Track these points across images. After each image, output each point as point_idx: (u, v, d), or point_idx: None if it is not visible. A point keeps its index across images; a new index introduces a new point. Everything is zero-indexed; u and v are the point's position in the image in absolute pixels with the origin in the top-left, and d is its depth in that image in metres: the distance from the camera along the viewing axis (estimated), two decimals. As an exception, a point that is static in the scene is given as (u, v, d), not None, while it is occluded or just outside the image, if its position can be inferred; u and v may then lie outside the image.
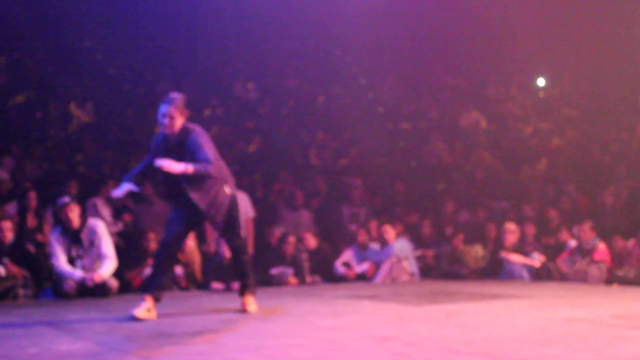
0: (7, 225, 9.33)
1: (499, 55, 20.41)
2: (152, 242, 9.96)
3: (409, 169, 17.16)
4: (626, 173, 13.55)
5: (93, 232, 9.15)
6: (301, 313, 6.43)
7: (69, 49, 20.23)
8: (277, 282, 10.42)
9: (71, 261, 9.03)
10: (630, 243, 10.67)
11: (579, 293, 9.00)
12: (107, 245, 9.20)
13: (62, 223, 9.12)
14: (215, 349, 4.92)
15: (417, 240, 12.24)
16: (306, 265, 11.08)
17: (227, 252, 9.99)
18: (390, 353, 4.66)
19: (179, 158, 6.65)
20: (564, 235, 11.54)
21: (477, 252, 11.79)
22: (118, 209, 11.67)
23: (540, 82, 21.45)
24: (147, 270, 9.84)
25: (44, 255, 9.73)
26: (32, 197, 10.77)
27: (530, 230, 11.98)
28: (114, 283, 9.12)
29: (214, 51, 20.52)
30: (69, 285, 8.86)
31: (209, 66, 20.42)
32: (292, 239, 10.71)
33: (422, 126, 18.62)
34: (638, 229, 10.82)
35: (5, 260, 8.95)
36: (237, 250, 7.20)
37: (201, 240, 11.21)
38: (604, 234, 11.35)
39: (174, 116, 6.87)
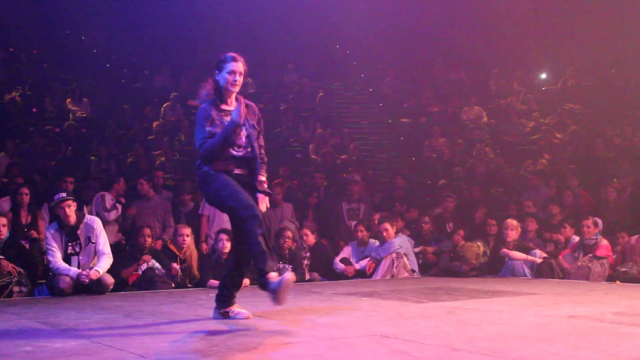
0: (1, 221, 9.29)
1: (501, 49, 20.46)
2: (148, 238, 9.96)
3: (409, 164, 17.18)
4: (630, 168, 13.57)
5: (90, 229, 9.11)
6: (299, 310, 6.40)
7: (65, 44, 20.24)
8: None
9: (67, 258, 8.98)
10: (634, 239, 10.66)
11: (581, 290, 8.97)
12: (104, 242, 9.17)
13: (58, 219, 9.07)
14: (213, 346, 4.90)
15: (418, 237, 12.22)
16: (306, 262, 11.08)
17: (225, 249, 10.03)
18: (390, 351, 4.65)
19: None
20: (566, 231, 11.54)
21: (478, 248, 11.77)
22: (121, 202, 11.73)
23: (543, 76, 21.45)
24: (143, 266, 9.90)
25: (39, 251, 9.71)
26: (25, 193, 10.72)
27: (532, 226, 11.98)
28: (110, 280, 9.07)
29: (212, 46, 20.49)
30: (65, 282, 8.79)
31: (208, 61, 20.40)
32: (289, 234, 10.66)
33: (422, 121, 18.66)
34: (641, 225, 10.84)
35: (0, 257, 8.92)
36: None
37: (198, 237, 11.23)
38: (607, 230, 11.35)
39: (242, 72, 6.03)
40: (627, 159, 14.02)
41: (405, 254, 11.32)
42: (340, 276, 11.12)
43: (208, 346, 4.93)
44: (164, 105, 17.53)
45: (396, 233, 11.54)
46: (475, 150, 16.25)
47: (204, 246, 11.13)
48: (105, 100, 17.95)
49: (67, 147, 14.63)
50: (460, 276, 11.14)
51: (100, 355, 4.62)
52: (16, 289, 8.88)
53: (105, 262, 9.03)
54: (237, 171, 5.93)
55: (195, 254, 10.53)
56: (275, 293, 5.42)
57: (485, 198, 13.73)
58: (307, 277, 10.71)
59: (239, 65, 5.97)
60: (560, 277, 10.71)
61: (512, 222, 11.53)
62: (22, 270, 9.05)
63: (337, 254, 11.58)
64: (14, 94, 17.01)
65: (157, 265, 9.95)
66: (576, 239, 11.19)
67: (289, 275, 5.58)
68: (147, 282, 9.68)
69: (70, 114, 16.73)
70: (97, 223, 9.25)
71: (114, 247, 10.01)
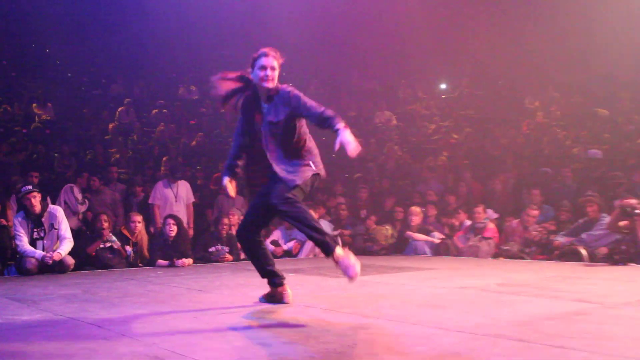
0: (-26, 210, 9.16)
1: (408, 63, 20.62)
2: (105, 223, 9.88)
3: (330, 160, 17.19)
4: (512, 164, 13.81)
5: (53, 217, 9.12)
6: (235, 285, 6.44)
7: (32, 55, 19.88)
8: (214, 259, 10.37)
9: (33, 242, 8.97)
10: (515, 222, 10.90)
11: (471, 265, 9.15)
12: (66, 228, 9.19)
13: (25, 208, 9.01)
14: (160, 315, 4.89)
15: (336, 221, 12.29)
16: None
17: (172, 232, 9.99)
18: (311, 318, 4.69)
19: (278, 118, 5.27)
20: (460, 216, 11.73)
21: (387, 231, 11.88)
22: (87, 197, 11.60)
23: (443, 86, 21.72)
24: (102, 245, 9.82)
25: (8, 236, 9.55)
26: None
27: (432, 212, 12.15)
28: (70, 261, 9.04)
29: (161, 58, 20.32)
30: (31, 263, 8.75)
31: (157, 71, 20.21)
32: (225, 221, 10.67)
33: (341, 123, 18.66)
34: (521, 210, 11.05)
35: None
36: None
37: (148, 222, 11.17)
38: (494, 215, 11.57)
39: (275, 67, 5.30)
40: (510, 156, 14.27)
41: (325, 237, 11.38)
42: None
43: (155, 316, 4.92)
44: (119, 109, 17.30)
45: (318, 218, 11.59)
46: (385, 148, 16.37)
47: (152, 230, 11.07)
48: (67, 105, 17.61)
49: (33, 146, 14.35)
50: (371, 255, 11.26)
51: (61, 325, 4.58)
52: (-13, 269, 8.77)
53: (66, 246, 9.02)
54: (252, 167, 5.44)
55: (146, 238, 10.48)
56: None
57: (394, 189, 13.85)
58: (242, 256, 10.71)
59: (270, 60, 5.24)
60: (454, 255, 10.90)
61: (415, 209, 11.69)
62: (-8, 253, 8.93)
63: (268, 237, 11.60)
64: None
65: (113, 238, 9.91)
66: (468, 222, 11.40)
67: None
68: (103, 262, 9.66)
69: (36, 117, 16.41)
70: (59, 212, 9.26)
71: (76, 232, 9.91)
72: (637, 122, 14.16)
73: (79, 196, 11.29)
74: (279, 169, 5.16)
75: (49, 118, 16.58)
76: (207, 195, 13.03)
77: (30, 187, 9.10)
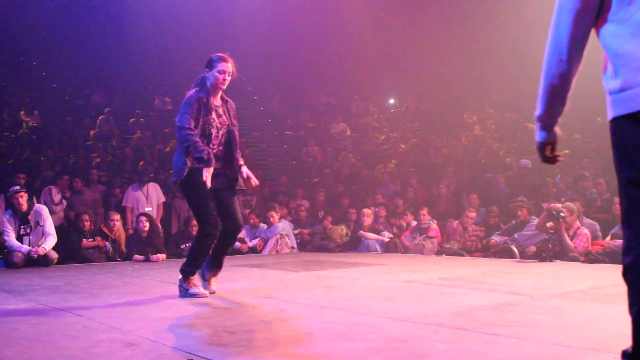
0: (-35, 209, 9.03)
1: (360, 80, 20.73)
2: (86, 222, 9.82)
3: (291, 166, 17.24)
4: (453, 171, 13.93)
5: (39, 215, 9.13)
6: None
7: (20, 67, 19.62)
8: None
9: (20, 238, 8.97)
10: (455, 223, 10.99)
11: (417, 261, 9.20)
12: (50, 225, 9.21)
13: (12, 207, 9.01)
14: (136, 305, 4.85)
15: (296, 221, 12.29)
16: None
17: (145, 228, 9.93)
18: (273, 308, 4.70)
19: (226, 121, 5.38)
20: (407, 217, 11.79)
21: (342, 230, 11.91)
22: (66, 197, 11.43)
23: (391, 101, 21.87)
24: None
25: (-3, 233, 9.43)
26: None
27: (382, 213, 12.20)
28: (54, 255, 9.01)
29: (138, 71, 20.15)
30: (18, 257, 8.72)
31: (135, 83, 20.03)
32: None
33: (301, 134, 18.73)
34: (461, 213, 11.15)
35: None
36: (234, 233, 5.54)
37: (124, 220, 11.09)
38: (437, 217, 11.66)
39: (230, 72, 5.33)
40: (451, 164, 14.40)
41: (286, 235, 11.39)
42: (237, 252, 11.09)
43: (130, 306, 4.87)
44: (100, 117, 17.09)
45: (280, 219, 11.59)
46: (340, 156, 16.43)
47: (130, 230, 10.97)
48: (52, 112, 17.37)
49: (21, 150, 14.13)
50: (328, 252, 11.27)
51: (45, 314, 4.52)
52: (-23, 263, 8.64)
53: (50, 241, 9.00)
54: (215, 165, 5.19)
55: (123, 234, 10.39)
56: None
57: (348, 192, 13.88)
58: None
59: (229, 66, 5.29)
60: (402, 252, 10.95)
61: (367, 210, 11.72)
62: (-19, 248, 8.81)
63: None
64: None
65: (108, 246, 9.88)
66: (414, 223, 11.46)
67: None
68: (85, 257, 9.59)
69: (24, 124, 16.14)
70: (44, 210, 9.26)
71: (59, 228, 9.80)
72: (561, 135, 14.38)
73: (57, 197, 11.14)
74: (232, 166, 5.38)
75: (35, 124, 16.32)
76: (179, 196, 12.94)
77: (17, 187, 9.17)
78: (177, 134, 5.20)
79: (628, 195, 2.04)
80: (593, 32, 2.16)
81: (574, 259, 8.57)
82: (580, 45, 2.16)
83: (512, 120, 16.14)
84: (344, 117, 19.41)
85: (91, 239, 9.84)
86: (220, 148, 5.37)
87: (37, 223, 9.05)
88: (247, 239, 11.40)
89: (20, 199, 8.89)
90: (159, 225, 10.97)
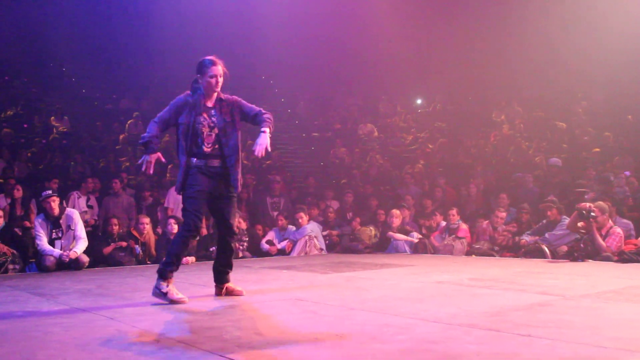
0: (-1, 213, 9.18)
1: (388, 81, 20.70)
2: (115, 227, 9.93)
3: (319, 168, 17.25)
4: (482, 171, 13.85)
5: (70, 219, 9.18)
6: (234, 281, 6.37)
7: (50, 73, 19.90)
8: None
9: (51, 242, 9.02)
10: (485, 223, 10.91)
11: (446, 262, 9.13)
12: (81, 229, 9.25)
13: (45, 211, 9.08)
14: (166, 309, 4.87)
15: (325, 223, 12.28)
16: (245, 244, 11.06)
17: (173, 230, 9.98)
18: (302, 310, 4.69)
19: (222, 121, 5.34)
20: (436, 218, 11.72)
21: (370, 231, 11.87)
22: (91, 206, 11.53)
23: (419, 101, 21.80)
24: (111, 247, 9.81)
25: (29, 237, 9.56)
26: (17, 190, 10.56)
27: (411, 214, 12.15)
28: (85, 259, 9.08)
29: (166, 75, 20.30)
30: (50, 261, 8.79)
31: (162, 87, 20.18)
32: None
33: (328, 135, 18.73)
34: (490, 213, 11.07)
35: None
36: (229, 237, 5.55)
37: (155, 223, 11.16)
38: (466, 217, 11.60)
39: (222, 74, 5.39)
40: (480, 164, 14.31)
41: (315, 237, 11.37)
42: (266, 254, 11.12)
43: (161, 309, 4.91)
44: (128, 122, 17.26)
45: (308, 220, 11.59)
46: (368, 157, 16.41)
47: (159, 231, 11.05)
48: (82, 118, 17.60)
49: (52, 155, 14.31)
50: (357, 253, 11.23)
51: (77, 317, 4.56)
52: (11, 266, 8.79)
53: (81, 245, 9.07)
54: (210, 164, 5.28)
55: (153, 238, 10.45)
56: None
57: (376, 193, 13.84)
58: (241, 255, 10.69)
59: (219, 68, 5.36)
60: (431, 253, 10.88)
61: (396, 211, 11.67)
62: (15, 252, 8.96)
63: (263, 237, 11.58)
64: (8, 112, 16.64)
65: (138, 249, 10.04)
66: (443, 223, 11.39)
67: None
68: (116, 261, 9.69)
69: (54, 129, 16.36)
70: (75, 214, 9.35)
71: (89, 232, 9.91)
72: (592, 133, 14.25)
73: (83, 206, 11.24)
74: (231, 163, 5.31)
75: (65, 130, 16.53)
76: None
77: (50, 191, 9.28)
78: None
79: None
80: (629, 35, 2.13)
81: (607, 259, 8.44)
82: None
83: (542, 119, 16.02)
84: (371, 118, 19.40)
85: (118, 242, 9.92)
86: (216, 146, 5.33)
87: (69, 227, 9.13)
88: (275, 241, 11.41)
89: (52, 203, 8.98)
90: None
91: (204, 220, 11.97)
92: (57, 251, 8.88)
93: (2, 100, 17.28)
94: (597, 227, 8.72)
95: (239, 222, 11.18)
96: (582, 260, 8.55)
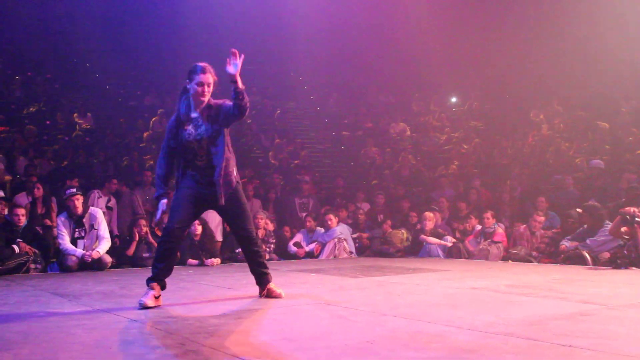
0: (21, 211, 9.28)
1: (421, 78, 20.62)
2: (144, 227, 9.98)
3: (349, 168, 17.24)
4: (519, 172, 13.72)
5: (93, 218, 9.27)
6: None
7: (74, 69, 20.12)
8: (241, 259, 10.37)
9: (74, 241, 9.11)
10: (522, 227, 10.80)
11: (482, 267, 9.06)
12: (104, 229, 9.33)
13: (68, 209, 9.16)
14: (192, 312, 4.88)
15: (355, 225, 12.26)
16: (272, 246, 11.08)
17: (197, 231, 10.02)
18: (331, 315, 4.67)
19: (210, 129, 5.25)
20: (471, 221, 11.64)
21: (402, 234, 11.83)
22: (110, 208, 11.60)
23: (453, 99, 21.66)
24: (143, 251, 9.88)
25: (51, 236, 9.67)
26: (38, 188, 10.68)
27: (444, 217, 12.08)
28: (108, 259, 9.15)
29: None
30: (72, 261, 8.88)
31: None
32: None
33: (359, 134, 18.71)
34: (528, 216, 10.96)
35: (19, 240, 8.85)
36: (246, 240, 5.58)
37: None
38: (502, 220, 11.49)
39: (211, 82, 5.33)
40: (517, 165, 14.19)
41: (344, 239, 11.37)
42: (294, 257, 11.13)
43: (186, 311, 4.92)
44: (153, 119, 17.39)
45: (338, 222, 11.57)
46: (400, 157, 16.35)
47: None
48: (105, 114, 17.77)
49: (75, 152, 14.46)
50: (388, 257, 11.20)
51: (99, 319, 4.59)
52: (32, 266, 8.89)
53: (104, 245, 9.14)
54: (205, 174, 5.29)
55: (177, 238, 10.49)
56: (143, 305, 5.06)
57: (408, 195, 13.79)
58: (267, 257, 10.70)
59: (208, 77, 5.31)
60: (465, 258, 10.81)
61: (429, 214, 11.61)
62: (37, 251, 9.06)
63: (291, 239, 11.59)
64: (31, 109, 16.85)
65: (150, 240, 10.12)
66: (478, 227, 11.31)
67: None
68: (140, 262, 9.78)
69: (77, 126, 16.54)
70: (99, 213, 9.42)
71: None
72: (636, 134, 14.05)
73: (103, 206, 11.32)
74: (217, 175, 5.24)
75: (88, 127, 16.70)
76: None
77: (74, 189, 9.34)
78: None
79: None
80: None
81: (652, 266, 8.31)
82: None
83: (583, 119, 15.82)
84: (404, 116, 19.33)
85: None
86: (210, 157, 5.28)
87: (92, 226, 9.21)
88: (303, 243, 11.42)
89: (76, 202, 9.07)
90: (212, 228, 11.00)
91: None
92: (79, 251, 8.96)
93: (25, 97, 17.52)
94: (642, 233, 8.57)
95: (266, 224, 11.22)
96: (626, 268, 8.41)
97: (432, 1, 19.01)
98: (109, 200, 11.44)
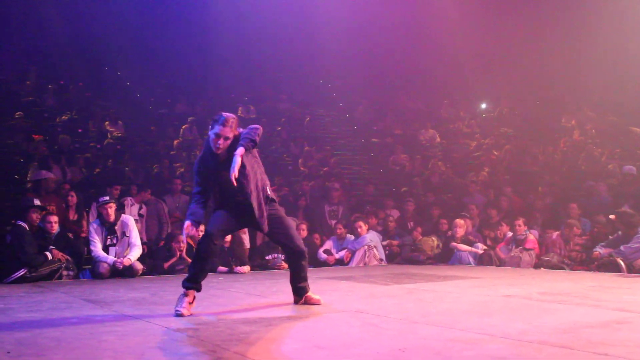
0: (54, 219, 9.39)
1: (450, 84, 20.53)
2: (182, 245, 9.98)
3: (378, 175, 17.19)
4: (550, 179, 13.59)
5: (125, 225, 9.35)
6: (291, 292, 6.39)
7: (105, 77, 20.33)
8: (271, 266, 10.40)
9: (106, 248, 9.18)
10: (554, 235, 10.69)
11: (514, 275, 8.98)
12: (136, 236, 9.38)
13: (100, 217, 9.27)
14: (221, 319, 4.89)
15: (385, 232, 12.21)
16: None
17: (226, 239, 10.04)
18: (363, 323, 4.65)
19: (242, 168, 5.28)
20: (503, 228, 11.53)
21: (432, 242, 11.76)
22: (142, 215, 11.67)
23: (483, 106, 21.52)
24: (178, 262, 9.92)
25: (84, 243, 9.76)
26: (72, 196, 10.80)
27: (475, 224, 11.99)
28: (139, 266, 9.22)
29: (221, 80, 20.56)
30: (103, 268, 8.96)
31: (217, 92, 20.44)
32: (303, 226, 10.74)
33: (388, 141, 18.65)
34: (560, 223, 10.84)
35: (52, 247, 8.95)
36: (297, 254, 5.70)
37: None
38: (534, 227, 11.37)
39: (229, 137, 5.26)
40: (548, 171, 14.05)
41: (375, 246, 11.32)
42: (323, 264, 11.11)
43: (217, 319, 4.92)
44: (183, 127, 17.50)
45: (368, 229, 11.53)
46: (430, 164, 16.27)
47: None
48: (136, 122, 17.90)
49: (106, 160, 14.59)
50: (418, 264, 11.15)
51: (131, 325, 4.61)
52: (65, 273, 8.98)
53: (136, 252, 9.21)
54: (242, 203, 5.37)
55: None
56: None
57: (438, 202, 13.70)
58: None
59: (227, 131, 5.23)
60: (497, 265, 10.71)
61: (459, 221, 11.54)
62: (69, 258, 9.16)
63: (321, 246, 11.57)
64: (64, 117, 17.04)
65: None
66: (510, 234, 11.20)
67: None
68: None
69: (108, 134, 16.68)
70: (131, 221, 9.48)
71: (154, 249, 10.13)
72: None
73: (135, 211, 11.38)
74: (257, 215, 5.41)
75: (119, 135, 16.82)
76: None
77: (107, 197, 9.45)
78: None
79: None
80: None
81: (688, 274, 8.17)
82: None
83: (615, 124, 15.64)
84: (433, 123, 19.23)
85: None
86: (250, 189, 5.35)
87: (124, 234, 9.29)
88: (333, 251, 11.39)
89: (109, 209, 9.17)
90: (242, 236, 11.01)
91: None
92: (111, 258, 9.04)
93: (57, 105, 17.72)
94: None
95: (300, 230, 11.20)
96: (661, 275, 8.29)
97: (462, 8, 18.92)
98: (140, 208, 11.51)
